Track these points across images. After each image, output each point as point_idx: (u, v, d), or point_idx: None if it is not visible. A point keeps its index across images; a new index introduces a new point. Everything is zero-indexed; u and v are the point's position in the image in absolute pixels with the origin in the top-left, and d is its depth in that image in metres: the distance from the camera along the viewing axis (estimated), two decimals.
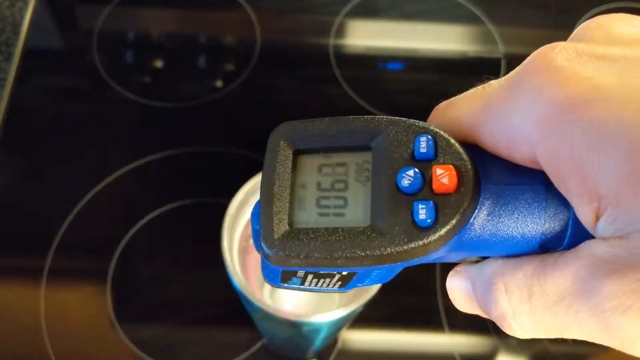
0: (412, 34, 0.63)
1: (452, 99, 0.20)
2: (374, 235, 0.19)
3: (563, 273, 0.18)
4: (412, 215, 0.18)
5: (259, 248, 0.20)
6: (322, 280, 0.22)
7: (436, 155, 0.19)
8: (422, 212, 0.18)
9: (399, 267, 0.20)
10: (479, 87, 0.20)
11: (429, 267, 0.50)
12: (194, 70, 0.61)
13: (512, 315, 0.19)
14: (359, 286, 0.23)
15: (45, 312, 0.47)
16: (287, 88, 0.60)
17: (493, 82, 0.20)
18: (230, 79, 0.59)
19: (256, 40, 0.61)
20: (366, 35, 0.63)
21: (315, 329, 0.34)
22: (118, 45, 0.61)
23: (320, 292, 0.25)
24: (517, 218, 0.19)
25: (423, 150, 0.19)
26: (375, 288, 0.32)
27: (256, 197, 0.36)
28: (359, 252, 0.19)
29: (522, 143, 0.18)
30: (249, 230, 0.37)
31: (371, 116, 0.20)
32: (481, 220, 0.19)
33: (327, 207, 0.20)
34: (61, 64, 0.61)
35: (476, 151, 0.19)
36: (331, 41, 0.62)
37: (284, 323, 0.32)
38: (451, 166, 0.18)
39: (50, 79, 0.60)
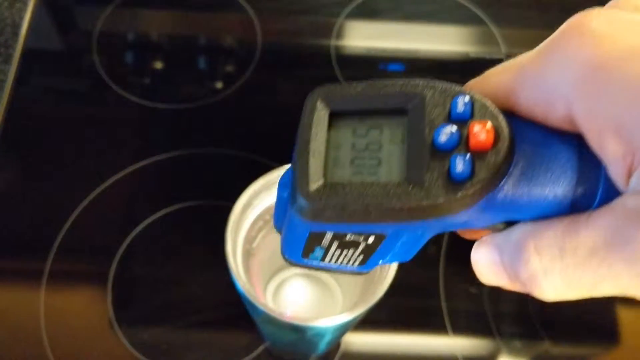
0: (414, 35, 0.63)
1: (483, 74, 0.21)
2: (410, 188, 0.19)
3: (595, 227, 0.18)
4: (448, 169, 0.19)
5: (290, 207, 0.20)
6: (345, 252, 0.22)
7: (472, 115, 0.19)
8: (459, 166, 0.19)
9: (427, 231, 0.21)
10: (509, 60, 0.20)
11: (432, 270, 0.50)
12: (195, 72, 0.60)
13: (544, 274, 0.19)
14: (379, 263, 0.24)
15: (45, 315, 0.47)
16: (288, 89, 0.60)
17: (524, 53, 0.20)
18: (231, 81, 0.59)
19: (257, 41, 0.61)
20: (367, 37, 0.63)
21: (320, 334, 0.33)
22: (118, 46, 0.61)
23: (339, 272, 0.25)
24: (549, 177, 0.19)
25: (460, 110, 0.19)
26: (379, 292, 0.32)
27: (260, 198, 0.36)
28: (394, 203, 0.19)
29: (558, 103, 0.18)
30: (253, 233, 0.37)
31: (408, 79, 0.20)
32: (514, 179, 0.19)
33: (362, 166, 0.20)
34: (61, 65, 0.61)
35: (511, 118, 0.20)
36: (332, 42, 0.62)
37: (288, 327, 0.32)
38: (488, 122, 0.19)
39: (50, 80, 0.60)
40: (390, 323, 0.48)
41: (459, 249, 0.50)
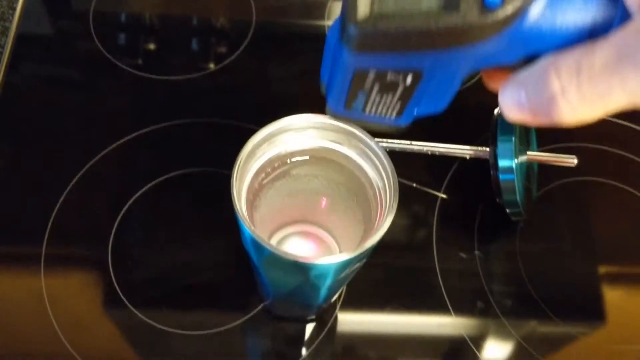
0: None
1: None
2: (447, 12, 0.21)
3: (610, 43, 0.20)
4: None
5: (339, 42, 0.22)
6: (384, 98, 0.24)
7: None
8: None
9: (460, 66, 0.22)
10: None
11: (427, 239, 0.51)
12: (188, 52, 0.61)
13: (562, 93, 0.21)
14: (414, 114, 0.26)
15: (48, 296, 0.47)
16: (281, 67, 0.61)
17: None
18: (224, 57, 0.60)
19: (252, 20, 0.62)
20: None
21: (322, 274, 0.34)
22: (111, 27, 0.62)
23: (379, 125, 0.27)
24: (571, 7, 0.22)
25: None
26: (377, 236, 0.33)
27: (262, 150, 0.37)
28: (432, 26, 0.21)
29: None
30: (256, 185, 0.38)
31: None
32: (540, 7, 0.21)
33: (405, 1, 0.22)
34: (55, 47, 0.61)
35: None
36: (326, 22, 0.63)
37: (291, 267, 0.33)
38: None
39: (44, 63, 0.61)
40: (384, 292, 0.49)
41: (451, 218, 0.52)
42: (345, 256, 0.32)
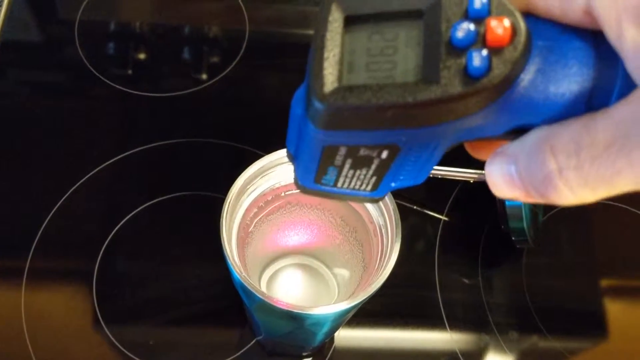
0: None
1: None
2: (426, 85, 0.18)
3: (613, 118, 0.17)
4: (465, 64, 0.18)
5: (305, 117, 0.20)
6: (357, 172, 0.22)
7: (490, 12, 0.19)
8: (476, 60, 0.18)
9: (440, 141, 0.20)
10: None
11: (429, 262, 0.49)
12: (180, 62, 0.59)
13: (559, 174, 0.18)
14: (392, 187, 0.23)
15: (25, 313, 0.45)
16: (275, 79, 0.59)
17: None
18: (217, 70, 0.57)
19: (245, 30, 0.60)
20: None
21: (318, 323, 0.32)
22: (100, 36, 0.59)
23: (352, 198, 0.25)
24: (565, 74, 0.19)
25: (477, 6, 0.19)
26: (379, 281, 0.31)
27: (254, 185, 0.35)
28: (409, 101, 0.18)
29: None
30: (247, 221, 0.35)
31: None
32: (531, 75, 0.19)
33: (377, 70, 0.19)
34: (40, 56, 0.59)
35: (528, 17, 0.19)
36: None
37: (285, 316, 0.31)
38: (505, 18, 0.19)
39: (29, 71, 0.58)
40: (384, 316, 0.47)
41: (453, 240, 0.50)
42: (345, 305, 0.30)
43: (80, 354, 0.44)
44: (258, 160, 0.33)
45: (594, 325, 0.49)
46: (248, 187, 0.34)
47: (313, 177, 0.23)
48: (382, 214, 0.34)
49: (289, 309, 0.30)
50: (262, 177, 0.34)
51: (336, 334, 0.45)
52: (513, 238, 0.46)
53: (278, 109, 0.54)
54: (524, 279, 0.50)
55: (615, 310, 0.50)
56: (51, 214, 0.49)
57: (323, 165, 0.22)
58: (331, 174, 0.23)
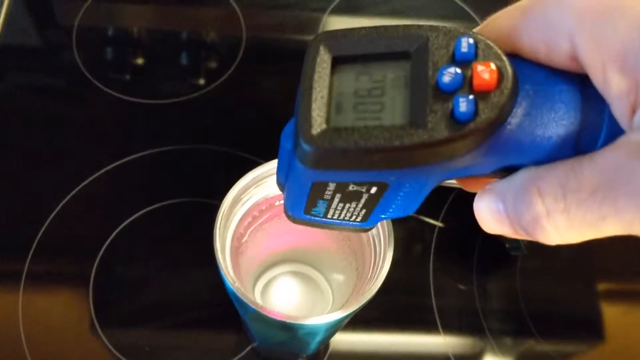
0: None
1: (491, 16, 0.21)
2: (413, 129, 0.19)
3: (599, 164, 0.17)
4: (452, 109, 0.19)
5: (293, 156, 0.20)
6: (347, 205, 0.22)
7: (476, 56, 0.19)
8: (463, 105, 0.18)
9: (429, 179, 0.20)
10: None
11: (424, 268, 0.49)
12: (177, 67, 0.59)
13: (546, 216, 0.18)
14: (381, 219, 0.24)
15: (23, 317, 0.45)
16: (273, 85, 0.59)
17: None
18: (215, 76, 0.58)
19: (242, 36, 0.60)
20: None
21: (312, 332, 0.32)
22: (98, 41, 0.59)
23: (343, 228, 0.25)
24: (552, 117, 0.19)
25: (464, 51, 0.19)
26: (373, 290, 0.31)
27: (249, 194, 0.35)
28: (397, 145, 0.19)
29: (561, 38, 0.18)
30: (242, 230, 0.36)
31: (411, 23, 0.20)
32: (518, 119, 0.19)
33: (365, 111, 0.20)
34: (39, 61, 0.59)
35: (515, 60, 0.19)
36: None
37: (279, 326, 0.31)
38: (492, 63, 0.19)
39: (27, 76, 0.58)
40: (380, 321, 0.48)
41: (448, 246, 0.50)
42: (339, 314, 0.30)
43: (76, 358, 0.45)
44: (251, 170, 0.33)
45: (589, 330, 0.49)
46: (242, 196, 0.34)
47: (303, 209, 0.23)
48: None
49: (282, 320, 0.30)
50: (255, 187, 0.35)
51: (332, 339, 0.45)
52: (507, 245, 0.47)
53: (276, 115, 0.55)
54: (518, 284, 0.50)
55: (610, 314, 0.50)
56: (50, 218, 0.49)
57: (312, 199, 0.22)
58: (321, 206, 0.23)
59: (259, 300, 0.41)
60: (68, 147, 0.53)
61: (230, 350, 0.45)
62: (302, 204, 0.23)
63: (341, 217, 0.24)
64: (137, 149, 0.53)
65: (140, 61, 0.59)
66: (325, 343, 0.42)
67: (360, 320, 0.46)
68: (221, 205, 0.32)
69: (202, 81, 0.57)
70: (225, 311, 0.46)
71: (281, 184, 0.24)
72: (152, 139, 0.53)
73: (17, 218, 0.50)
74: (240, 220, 0.35)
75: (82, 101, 0.57)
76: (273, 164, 0.34)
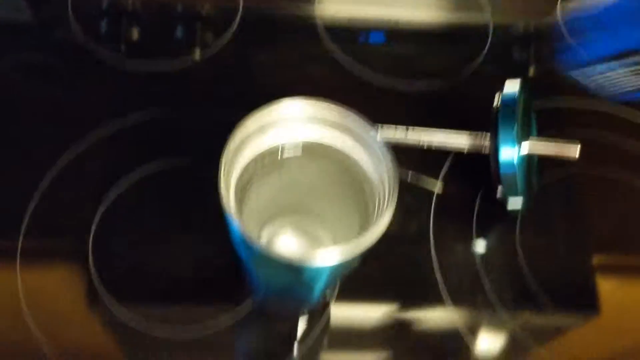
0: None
1: None
2: None
3: None
4: None
5: None
6: None
7: None
8: None
9: None
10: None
11: (425, 244, 0.49)
12: (173, 39, 0.59)
13: None
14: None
15: (24, 292, 0.45)
16: (269, 56, 0.59)
17: None
18: (211, 45, 0.57)
19: (238, 7, 0.59)
20: (351, 2, 0.62)
21: (317, 275, 0.33)
22: (92, 14, 0.59)
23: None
24: None
25: None
26: (374, 235, 0.31)
27: (253, 139, 0.35)
28: None
29: None
30: (245, 178, 0.36)
31: None
32: None
33: None
34: (33, 35, 0.58)
35: None
36: (316, 9, 0.61)
37: (284, 267, 0.31)
38: None
39: (20, 50, 0.57)
40: (381, 292, 0.48)
41: (447, 213, 0.51)
42: (339, 257, 0.30)
43: (83, 324, 0.45)
44: (254, 115, 0.33)
45: (589, 299, 0.49)
46: (245, 142, 0.34)
47: None
48: (379, 172, 0.34)
49: (287, 260, 0.30)
50: (259, 134, 0.35)
51: (332, 301, 0.46)
52: (508, 208, 0.47)
53: (272, 83, 0.55)
54: (520, 251, 0.50)
55: (609, 284, 0.50)
56: (42, 187, 0.49)
57: None
58: None
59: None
60: (61, 118, 0.53)
61: (232, 306, 0.45)
62: None
63: None
64: (132, 118, 0.52)
65: (135, 33, 0.59)
66: (329, 289, 0.42)
67: (360, 291, 0.46)
68: (225, 150, 0.32)
69: (197, 53, 0.57)
70: (226, 268, 0.46)
71: None
72: (147, 108, 0.53)
73: (8, 193, 0.49)
74: (244, 168, 0.35)
75: (76, 73, 0.56)
76: (277, 110, 0.34)
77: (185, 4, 0.61)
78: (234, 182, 0.34)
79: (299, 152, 0.36)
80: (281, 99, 0.33)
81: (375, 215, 0.34)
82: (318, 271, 0.32)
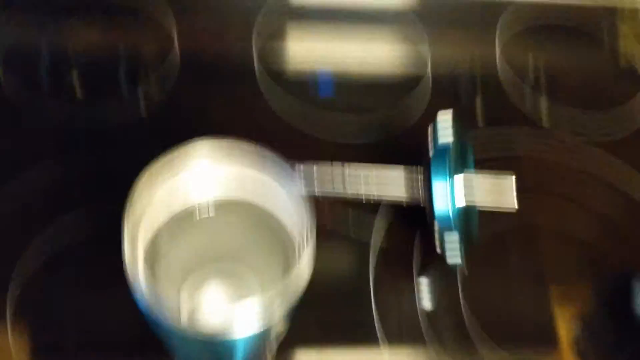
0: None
1: None
2: None
3: None
4: None
5: None
6: None
7: None
8: None
9: None
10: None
11: (362, 280, 0.48)
12: (113, 91, 0.56)
13: None
14: None
15: None
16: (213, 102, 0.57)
17: None
18: (151, 97, 0.56)
19: (176, 54, 0.58)
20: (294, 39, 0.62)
21: (231, 347, 0.29)
22: (28, 65, 0.56)
23: None
24: None
25: None
26: (301, 271, 0.29)
27: (159, 185, 0.31)
28: None
29: None
30: (157, 235, 0.33)
31: None
32: None
33: None
34: None
35: None
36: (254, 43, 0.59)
37: (195, 340, 0.28)
38: None
39: None
40: (320, 339, 0.46)
41: (386, 265, 0.49)
42: (259, 327, 0.27)
43: None
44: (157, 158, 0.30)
45: (540, 336, 0.49)
46: (153, 189, 0.31)
47: None
48: (298, 225, 0.32)
49: (198, 334, 0.27)
50: (168, 173, 0.32)
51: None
52: (448, 262, 0.47)
53: (219, 124, 0.52)
54: (461, 293, 0.49)
55: (561, 320, 0.49)
56: None
57: None
58: None
59: (185, 306, 0.37)
60: None
61: None
62: None
63: None
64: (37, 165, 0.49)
65: (73, 87, 0.56)
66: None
67: (299, 337, 0.44)
68: (128, 202, 0.29)
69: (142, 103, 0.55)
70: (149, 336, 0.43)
71: None
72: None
73: None
74: (156, 230, 0.32)
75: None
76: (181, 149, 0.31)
77: (125, 56, 0.58)
78: (145, 237, 0.31)
79: (212, 212, 0.33)
80: (192, 139, 0.31)
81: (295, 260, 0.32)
82: (233, 343, 0.29)
